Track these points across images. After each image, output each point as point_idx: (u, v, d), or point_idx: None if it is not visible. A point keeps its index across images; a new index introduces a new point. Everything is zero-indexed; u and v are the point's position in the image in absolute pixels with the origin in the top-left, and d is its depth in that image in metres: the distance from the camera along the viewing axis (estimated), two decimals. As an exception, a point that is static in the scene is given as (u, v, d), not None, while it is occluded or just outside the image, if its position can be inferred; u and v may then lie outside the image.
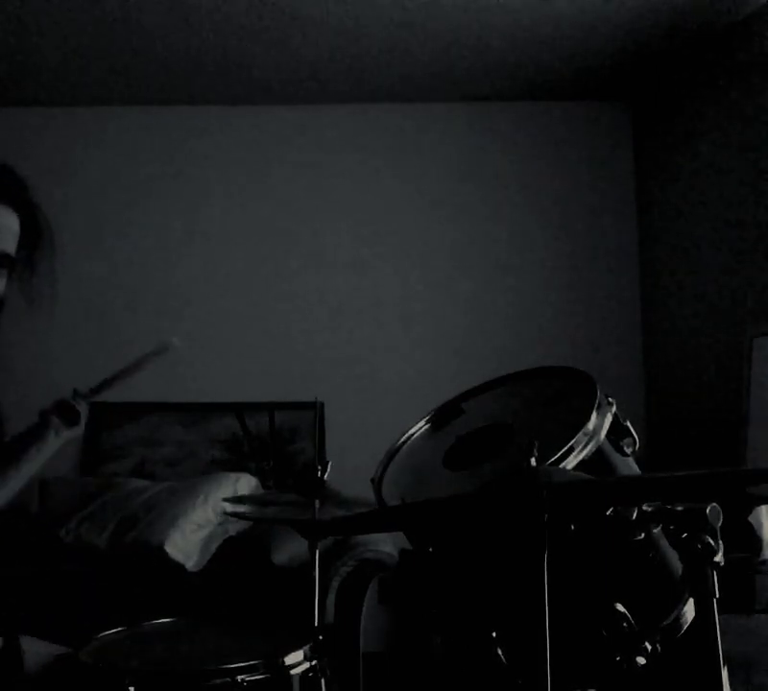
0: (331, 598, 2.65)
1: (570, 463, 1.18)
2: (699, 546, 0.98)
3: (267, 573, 2.82)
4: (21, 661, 1.43)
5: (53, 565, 2.93)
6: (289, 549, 2.84)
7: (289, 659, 1.62)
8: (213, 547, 2.97)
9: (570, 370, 1.40)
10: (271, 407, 3.76)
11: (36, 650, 1.55)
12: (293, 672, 1.62)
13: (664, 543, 1.16)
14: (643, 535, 1.04)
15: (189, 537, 2.91)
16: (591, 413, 1.24)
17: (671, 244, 3.69)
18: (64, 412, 1.69)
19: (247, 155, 3.95)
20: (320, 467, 1.84)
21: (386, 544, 2.82)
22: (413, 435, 1.48)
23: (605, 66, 3.59)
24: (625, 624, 1.11)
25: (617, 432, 1.28)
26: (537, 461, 1.11)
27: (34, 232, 1.43)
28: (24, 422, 1.70)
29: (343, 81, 3.69)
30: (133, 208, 3.90)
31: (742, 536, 2.16)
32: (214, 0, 2.97)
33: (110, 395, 1.77)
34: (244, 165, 3.94)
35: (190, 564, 2.88)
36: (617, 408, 1.30)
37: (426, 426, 1.49)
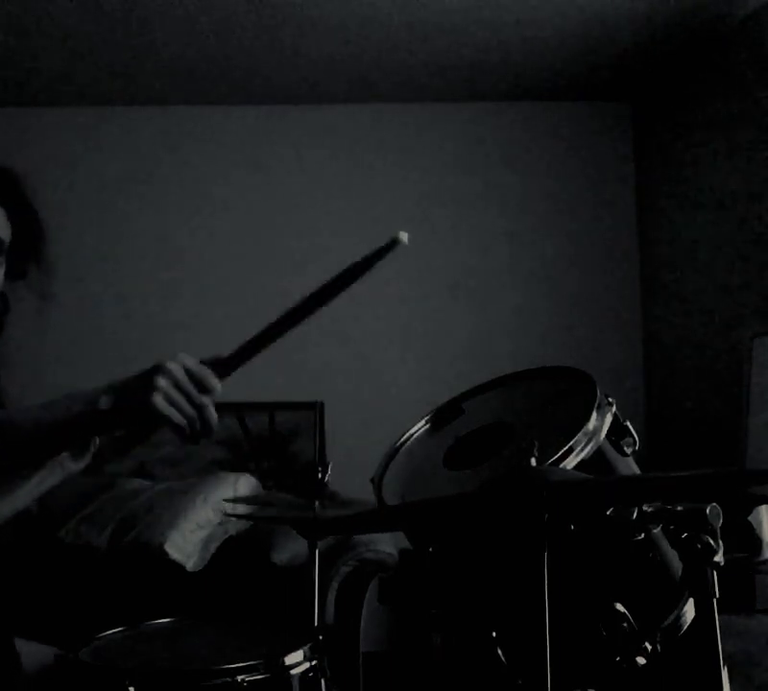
0: (331, 598, 2.64)
1: (570, 463, 1.18)
2: (699, 546, 0.98)
3: (267, 573, 2.81)
4: (19, 663, 1.42)
5: (53, 565, 2.93)
6: (289, 549, 2.84)
7: (289, 659, 1.63)
8: (213, 547, 2.97)
9: (570, 370, 1.40)
10: (271, 407, 3.76)
11: (33, 651, 1.54)
12: (293, 672, 1.62)
13: (664, 543, 1.17)
14: (643, 535, 1.04)
15: (189, 537, 2.91)
16: (591, 413, 1.24)
17: (671, 243, 3.68)
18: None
19: (247, 155, 3.94)
20: (320, 468, 1.84)
21: (386, 544, 2.82)
22: (413, 435, 1.48)
23: (605, 66, 3.58)
24: (625, 624, 1.12)
25: (617, 432, 1.28)
26: (537, 461, 1.12)
27: (24, 229, 1.37)
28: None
29: (343, 81, 3.69)
30: (133, 208, 3.90)
31: (742, 535, 2.16)
32: (214, 0, 2.97)
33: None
34: (243, 165, 3.94)
35: (190, 564, 2.88)
36: (617, 408, 1.30)
37: (426, 426, 1.49)
